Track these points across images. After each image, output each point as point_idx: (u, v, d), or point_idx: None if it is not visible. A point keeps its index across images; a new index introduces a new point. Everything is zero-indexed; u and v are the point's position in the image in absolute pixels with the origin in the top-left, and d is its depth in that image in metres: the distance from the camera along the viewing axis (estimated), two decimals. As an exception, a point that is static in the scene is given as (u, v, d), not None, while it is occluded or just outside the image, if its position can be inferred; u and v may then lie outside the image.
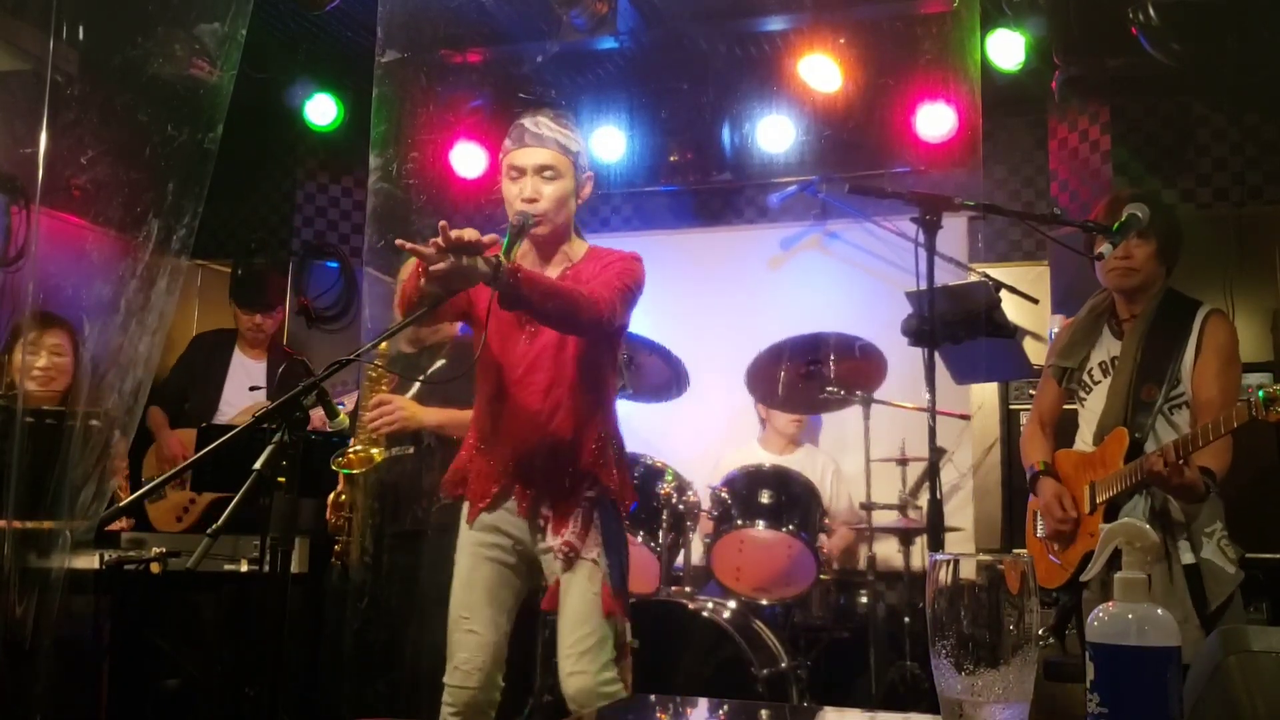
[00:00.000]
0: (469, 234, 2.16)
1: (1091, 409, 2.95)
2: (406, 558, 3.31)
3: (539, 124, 2.59)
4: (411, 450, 3.34)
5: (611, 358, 2.71)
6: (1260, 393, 2.36)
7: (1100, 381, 2.95)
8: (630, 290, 2.55)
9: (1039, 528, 3.02)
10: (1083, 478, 2.90)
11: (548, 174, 2.55)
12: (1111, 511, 2.80)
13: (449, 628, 2.56)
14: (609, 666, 2.47)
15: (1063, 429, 3.16)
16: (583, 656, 2.46)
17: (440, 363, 3.43)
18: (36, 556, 2.50)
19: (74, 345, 3.44)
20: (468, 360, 3.08)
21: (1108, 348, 2.96)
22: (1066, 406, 3.13)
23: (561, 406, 2.55)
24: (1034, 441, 3.13)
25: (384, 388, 3.28)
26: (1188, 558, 2.71)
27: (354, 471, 3.18)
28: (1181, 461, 2.53)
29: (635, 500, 2.74)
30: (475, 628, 2.53)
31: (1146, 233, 2.83)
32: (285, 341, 5.50)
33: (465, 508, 2.64)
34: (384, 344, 3.14)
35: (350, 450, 3.17)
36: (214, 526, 2.05)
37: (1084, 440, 2.97)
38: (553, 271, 2.61)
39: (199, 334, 4.95)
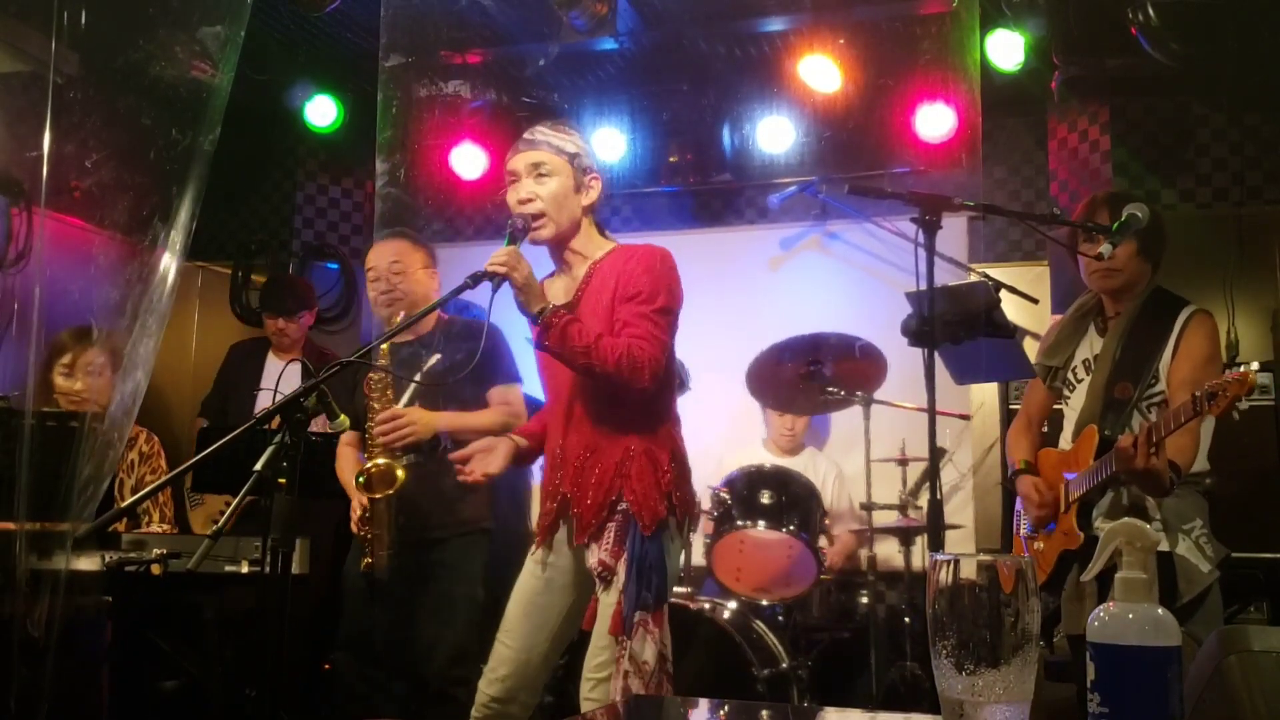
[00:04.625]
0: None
1: (1074, 407, 2.95)
2: (426, 564, 3.26)
3: (534, 131, 2.60)
4: (420, 459, 3.22)
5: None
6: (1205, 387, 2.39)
7: (1083, 380, 2.94)
8: (669, 313, 2.48)
9: (1023, 526, 3.04)
10: (1061, 476, 2.91)
11: (541, 170, 2.53)
12: (1085, 509, 2.80)
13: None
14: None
15: (1052, 426, 3.18)
16: (599, 685, 2.41)
17: (436, 356, 3.28)
18: (46, 558, 2.51)
19: (110, 358, 3.40)
20: (466, 351, 3.04)
21: (1091, 345, 2.95)
22: (1057, 407, 3.14)
23: (589, 417, 2.49)
24: (1018, 440, 3.14)
25: (390, 394, 3.19)
26: (1160, 548, 2.70)
27: (378, 495, 3.09)
28: (1152, 450, 2.51)
29: (670, 516, 2.47)
30: (509, 641, 2.53)
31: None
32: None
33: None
34: (384, 345, 3.11)
35: (369, 465, 3.09)
36: (215, 528, 2.06)
37: (1066, 439, 2.98)
38: (575, 274, 2.59)
39: (235, 343, 4.90)
